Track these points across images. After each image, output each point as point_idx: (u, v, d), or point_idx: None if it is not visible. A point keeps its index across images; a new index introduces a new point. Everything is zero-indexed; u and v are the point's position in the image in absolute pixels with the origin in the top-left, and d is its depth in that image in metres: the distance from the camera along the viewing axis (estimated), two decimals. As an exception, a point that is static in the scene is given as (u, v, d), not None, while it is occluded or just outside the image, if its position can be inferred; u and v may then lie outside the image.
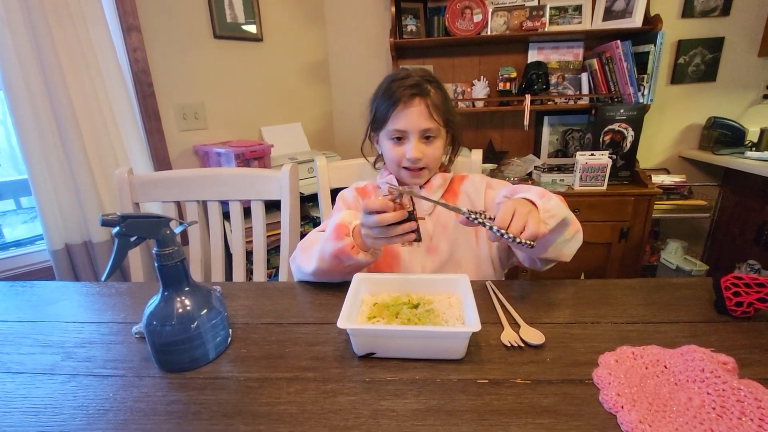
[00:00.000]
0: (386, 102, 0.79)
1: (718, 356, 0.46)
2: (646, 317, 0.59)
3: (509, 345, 0.53)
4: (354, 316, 0.56)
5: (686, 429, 0.38)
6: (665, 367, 0.47)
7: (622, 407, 0.41)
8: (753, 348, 0.51)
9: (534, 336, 0.54)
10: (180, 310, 0.49)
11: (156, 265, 0.49)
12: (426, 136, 0.79)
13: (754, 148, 1.88)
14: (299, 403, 0.45)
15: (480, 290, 0.68)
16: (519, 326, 0.57)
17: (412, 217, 0.60)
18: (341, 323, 0.50)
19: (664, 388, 0.44)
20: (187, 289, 0.51)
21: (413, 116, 0.77)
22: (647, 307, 0.62)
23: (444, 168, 0.90)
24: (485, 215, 0.59)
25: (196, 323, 0.49)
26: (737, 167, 1.79)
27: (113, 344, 0.58)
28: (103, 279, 0.47)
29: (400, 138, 0.80)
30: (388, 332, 0.52)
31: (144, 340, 0.56)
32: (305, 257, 0.73)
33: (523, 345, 0.53)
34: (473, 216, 0.58)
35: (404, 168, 0.82)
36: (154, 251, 0.48)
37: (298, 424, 0.42)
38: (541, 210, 0.60)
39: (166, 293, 0.50)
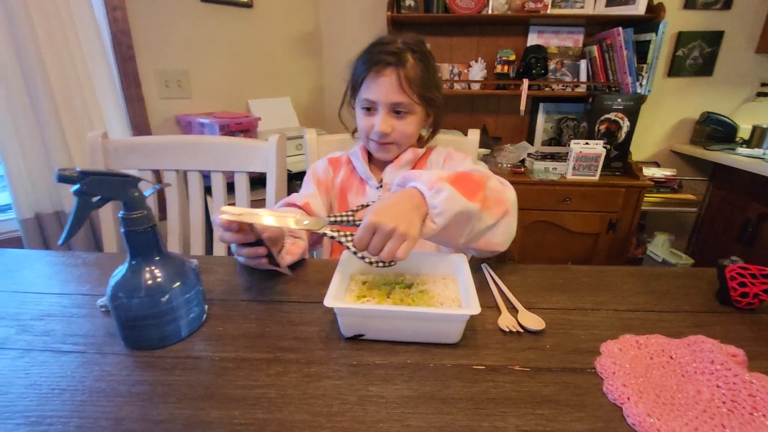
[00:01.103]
0: (362, 67, 0.75)
1: (727, 347, 0.44)
2: (648, 305, 0.56)
3: (507, 330, 0.50)
4: (342, 294, 0.51)
5: (696, 424, 0.36)
6: (671, 358, 0.44)
7: (629, 398, 0.38)
8: (759, 340, 0.49)
9: (533, 321, 0.51)
10: (149, 282, 0.44)
11: (122, 230, 0.44)
12: (396, 110, 0.74)
13: (744, 145, 1.88)
14: (279, 386, 0.41)
15: (475, 272, 0.64)
16: (517, 311, 0.54)
17: (260, 242, 0.55)
18: (328, 302, 0.45)
19: (671, 380, 0.41)
20: (157, 258, 0.46)
21: (383, 87, 0.72)
22: (648, 295, 0.59)
23: (421, 142, 0.85)
24: (348, 235, 0.52)
25: (167, 296, 0.45)
26: (727, 163, 1.79)
27: (75, 318, 0.53)
28: (60, 243, 0.42)
29: (370, 108, 0.76)
30: (378, 312, 0.48)
31: (110, 314, 0.51)
32: None
33: (521, 330, 0.50)
34: (331, 235, 0.52)
35: (372, 140, 0.78)
36: (120, 214, 0.43)
37: (276, 409, 0.38)
38: (428, 205, 0.52)
39: (134, 262, 0.45)
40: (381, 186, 0.82)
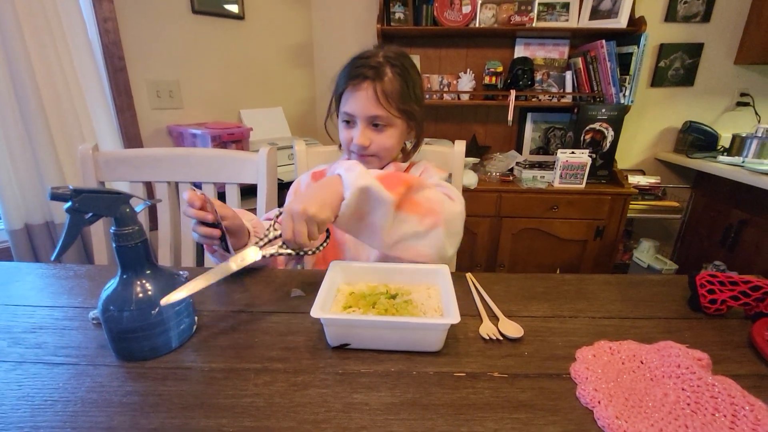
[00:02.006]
0: (342, 80, 0.76)
1: (694, 352, 0.46)
2: (623, 312, 0.59)
3: (487, 338, 0.52)
4: (329, 305, 0.53)
5: (662, 425, 0.38)
6: (641, 363, 0.46)
7: (599, 402, 0.41)
8: (725, 345, 0.51)
9: (512, 329, 0.53)
10: (140, 295, 0.46)
11: (114, 245, 0.45)
12: (375, 123, 0.75)
13: (725, 153, 1.94)
14: (267, 395, 0.42)
15: (459, 281, 0.66)
16: (497, 319, 0.56)
17: (217, 225, 0.59)
18: (315, 312, 0.47)
19: (641, 384, 0.43)
20: (148, 272, 0.47)
21: (360, 100, 0.73)
22: (624, 303, 0.62)
23: (406, 156, 0.86)
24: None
25: (157, 309, 0.46)
26: (709, 171, 1.85)
27: (67, 330, 0.54)
28: (53, 258, 0.43)
29: (349, 121, 0.77)
30: (363, 323, 0.49)
31: (101, 326, 0.52)
32: None
33: (501, 338, 0.52)
34: (269, 254, 0.57)
35: (352, 152, 0.79)
36: (111, 230, 0.44)
37: (264, 417, 0.40)
38: (344, 184, 0.57)
39: (125, 276, 0.46)
40: None
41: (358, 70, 0.73)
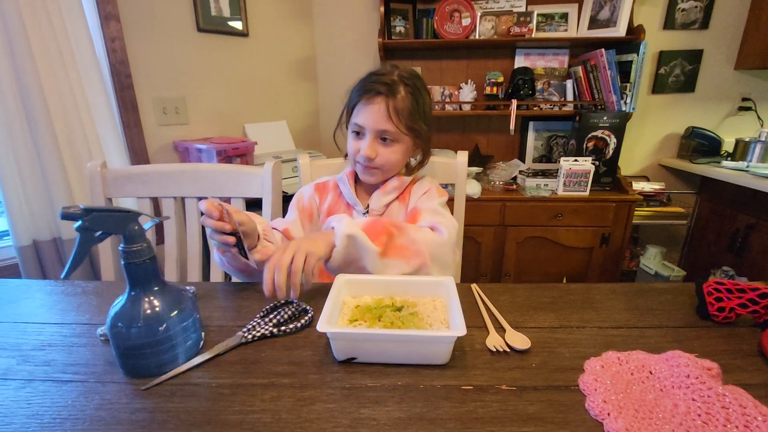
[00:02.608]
0: (356, 93, 0.79)
1: (703, 362, 0.46)
2: (631, 322, 0.59)
3: (494, 350, 0.52)
4: (335, 319, 0.53)
5: (673, 437, 0.38)
6: (650, 373, 0.46)
7: (609, 414, 0.40)
8: (735, 353, 0.51)
9: (519, 341, 0.53)
10: (148, 311, 0.46)
11: (122, 262, 0.46)
12: (383, 138, 0.78)
13: (729, 158, 1.94)
14: (274, 411, 0.42)
15: (465, 293, 0.66)
16: (504, 330, 0.56)
17: (234, 234, 0.62)
18: (321, 326, 0.47)
19: (650, 395, 0.43)
20: (156, 288, 0.48)
21: (371, 114, 0.76)
22: (631, 312, 0.61)
23: (410, 171, 0.89)
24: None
25: (164, 325, 0.46)
26: (713, 176, 1.84)
27: (75, 347, 0.54)
28: (62, 276, 0.44)
29: (359, 133, 0.80)
30: (369, 336, 0.49)
31: (109, 342, 0.53)
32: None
33: (508, 350, 0.52)
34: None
35: (358, 162, 0.81)
36: (120, 248, 0.45)
37: (272, 433, 0.40)
38: (335, 233, 0.66)
39: (132, 293, 0.47)
40: (368, 212, 0.85)
41: (372, 86, 0.76)
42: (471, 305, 0.63)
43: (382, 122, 0.76)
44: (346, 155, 0.95)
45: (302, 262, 0.59)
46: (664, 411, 0.41)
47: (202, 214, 0.60)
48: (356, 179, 0.88)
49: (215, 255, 0.72)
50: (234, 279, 0.97)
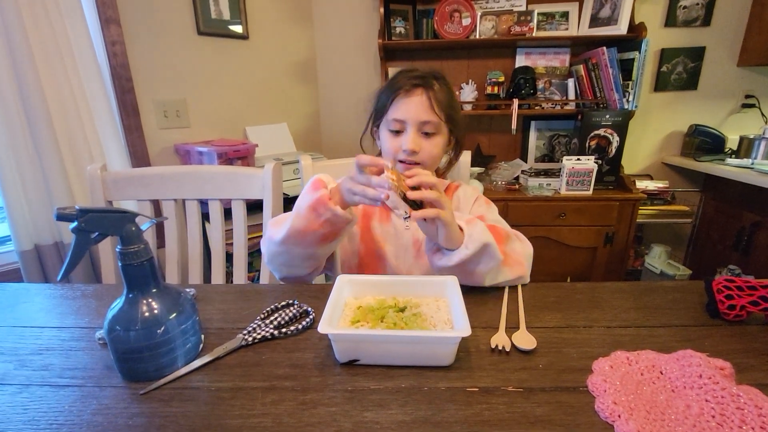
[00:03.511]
0: (388, 90, 0.78)
1: (715, 361, 0.44)
2: (639, 321, 0.57)
3: (500, 350, 0.51)
4: (336, 320, 0.52)
5: (686, 439, 0.36)
6: (661, 373, 0.45)
7: (619, 416, 0.39)
8: (748, 352, 0.49)
9: (525, 341, 0.51)
10: (146, 314, 0.45)
11: (120, 264, 0.45)
12: (425, 132, 0.77)
13: (733, 156, 1.92)
14: (275, 414, 0.41)
15: (467, 292, 0.65)
16: (510, 330, 0.54)
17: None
18: (322, 328, 0.46)
19: (661, 395, 0.42)
20: (154, 290, 0.47)
21: (413, 105, 0.75)
22: (639, 311, 0.60)
23: (441, 174, 0.88)
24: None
25: (163, 328, 0.45)
26: (717, 174, 1.82)
27: (73, 351, 0.53)
28: (59, 278, 0.43)
29: (398, 131, 0.78)
30: (372, 337, 0.48)
31: (108, 346, 0.52)
32: (277, 228, 0.70)
33: (514, 350, 0.51)
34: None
35: (400, 161, 0.79)
36: (117, 249, 0.44)
37: (272, 438, 0.39)
38: (465, 234, 0.63)
39: (131, 295, 0.46)
40: (409, 216, 0.81)
41: (407, 81, 0.76)
42: (475, 305, 0.62)
43: (425, 113, 0.75)
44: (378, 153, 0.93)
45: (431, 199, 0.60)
46: (677, 412, 0.39)
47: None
48: None
49: (272, 238, 0.70)
50: (235, 278, 0.97)
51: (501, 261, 0.65)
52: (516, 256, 0.68)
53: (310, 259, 0.72)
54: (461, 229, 0.63)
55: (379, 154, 0.90)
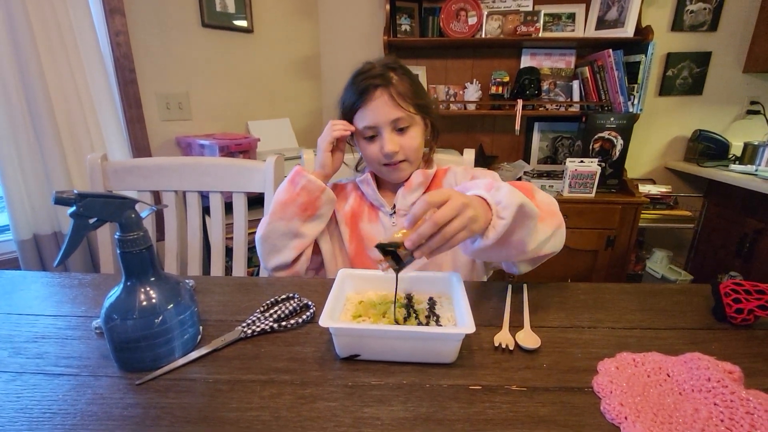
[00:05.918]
0: (350, 99, 0.76)
1: (724, 365, 0.44)
2: (644, 323, 0.56)
3: (504, 348, 0.50)
4: (337, 314, 0.51)
5: (695, 443, 0.35)
6: (668, 376, 0.44)
7: (626, 418, 0.38)
8: (756, 357, 0.49)
9: (529, 340, 0.51)
10: (144, 303, 0.45)
11: (118, 251, 0.44)
12: (399, 128, 0.75)
13: (737, 162, 1.91)
14: (273, 408, 0.40)
15: (470, 290, 0.64)
16: (513, 329, 0.54)
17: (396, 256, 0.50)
18: (324, 321, 0.45)
19: (669, 398, 0.41)
20: (152, 279, 0.46)
21: (378, 108, 0.73)
22: (644, 313, 0.59)
23: (426, 159, 0.84)
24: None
25: (161, 317, 0.45)
26: (721, 179, 1.81)
27: (69, 340, 0.52)
28: (55, 264, 0.42)
29: (373, 136, 0.76)
30: (374, 332, 0.47)
31: (104, 336, 0.51)
32: (264, 220, 0.76)
33: (517, 349, 0.50)
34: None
35: (384, 165, 0.77)
36: (116, 236, 0.43)
37: (270, 432, 0.38)
38: (492, 204, 0.51)
39: (128, 283, 0.45)
40: (395, 212, 0.80)
41: (365, 83, 0.74)
42: (478, 302, 0.61)
43: (393, 111, 0.73)
44: (356, 167, 0.91)
45: (457, 231, 0.47)
46: (685, 415, 0.39)
47: None
48: (376, 180, 0.84)
49: (258, 231, 0.75)
50: (234, 273, 0.96)
51: (538, 215, 0.54)
52: (547, 207, 0.60)
53: (295, 237, 0.74)
54: (484, 199, 0.53)
55: (361, 161, 0.89)
